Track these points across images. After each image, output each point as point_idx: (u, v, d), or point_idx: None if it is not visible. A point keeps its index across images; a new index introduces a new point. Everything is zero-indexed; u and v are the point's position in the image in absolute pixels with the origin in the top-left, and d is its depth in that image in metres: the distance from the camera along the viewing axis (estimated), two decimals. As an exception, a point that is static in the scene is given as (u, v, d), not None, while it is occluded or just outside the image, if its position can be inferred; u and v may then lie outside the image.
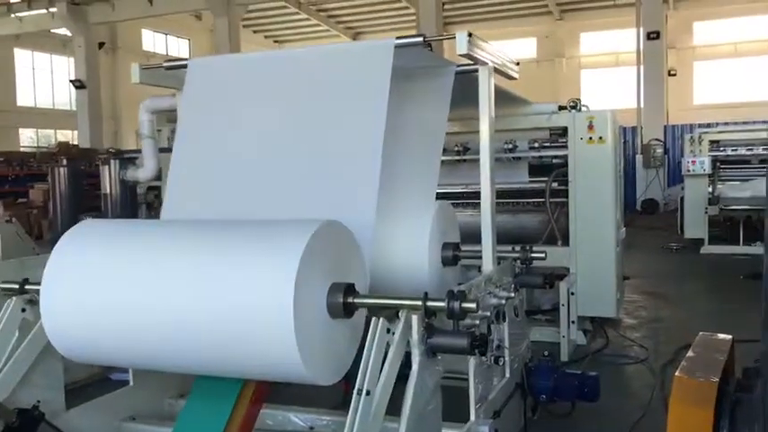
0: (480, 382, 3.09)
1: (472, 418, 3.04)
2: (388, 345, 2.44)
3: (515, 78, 3.91)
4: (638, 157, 19.51)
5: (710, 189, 11.14)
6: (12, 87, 27.57)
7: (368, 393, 2.27)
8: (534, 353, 4.13)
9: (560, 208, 5.99)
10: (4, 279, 3.16)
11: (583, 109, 5.86)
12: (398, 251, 3.51)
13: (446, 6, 24.72)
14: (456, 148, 5.97)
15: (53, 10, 23.82)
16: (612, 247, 5.74)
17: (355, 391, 2.27)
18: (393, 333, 2.45)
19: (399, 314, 2.51)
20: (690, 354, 3.01)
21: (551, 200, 5.89)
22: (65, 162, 12.14)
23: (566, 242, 5.82)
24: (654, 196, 18.87)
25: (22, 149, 25.76)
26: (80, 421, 3.26)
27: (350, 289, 2.54)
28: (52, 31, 26.59)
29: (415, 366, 2.43)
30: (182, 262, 2.55)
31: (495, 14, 29.13)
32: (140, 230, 2.82)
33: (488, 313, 2.98)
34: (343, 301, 2.51)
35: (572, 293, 5.58)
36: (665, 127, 20.19)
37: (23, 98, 28.17)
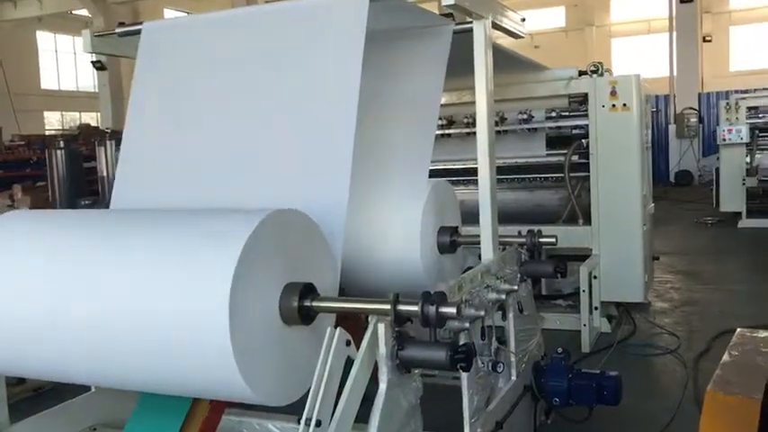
0: (476, 392, 2.64)
1: (467, 433, 2.60)
2: (351, 360, 2.00)
3: (521, 37, 3.41)
4: (672, 127, 18.69)
5: (748, 159, 10.53)
6: (35, 71, 27.50)
7: (318, 424, 1.84)
8: (554, 344, 3.68)
9: (581, 183, 5.47)
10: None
11: (605, 74, 5.30)
12: (385, 239, 3.08)
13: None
14: (465, 120, 5.48)
15: (74, -10, 23.62)
16: (639, 226, 5.21)
17: (302, 421, 1.84)
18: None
19: (369, 320, 2.08)
20: (726, 358, 2.52)
21: (571, 174, 5.37)
22: (61, 144, 11.76)
23: (588, 221, 5.30)
24: (688, 167, 18.09)
25: (47, 133, 25.72)
26: (27, 436, 2.90)
27: (308, 290, 2.11)
28: (73, 12, 26.36)
29: (382, 386, 1.99)
30: (105, 261, 2.13)
31: (521, -18, 28.22)
32: (67, 224, 2.40)
33: (482, 312, 2.52)
34: (299, 304, 2.08)
35: (594, 277, 5.09)
36: (699, 95, 19.29)
37: (47, 81, 28.10)
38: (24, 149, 18.80)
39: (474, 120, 5.38)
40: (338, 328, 1.98)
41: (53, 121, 28.87)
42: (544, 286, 5.77)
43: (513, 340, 3.10)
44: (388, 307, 2.01)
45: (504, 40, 3.64)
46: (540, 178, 5.70)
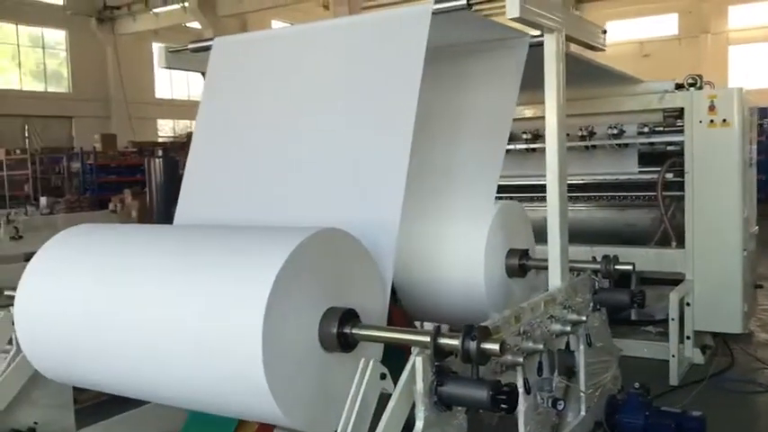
0: (535, 428, 2.47)
1: (523, 473, 2.44)
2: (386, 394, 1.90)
3: (601, 49, 3.21)
4: (790, 142, 17.46)
5: None
6: (150, 81, 28.98)
7: (346, 463, 1.75)
8: (639, 373, 3.45)
9: (675, 203, 5.13)
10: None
11: (705, 87, 4.95)
12: (448, 261, 2.96)
13: (576, -18, 23.34)
14: (551, 135, 5.25)
15: (186, 4, 24.69)
16: (738, 250, 4.81)
17: (329, 459, 1.75)
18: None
19: (411, 352, 1.97)
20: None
21: (665, 193, 5.04)
22: (160, 153, 12.22)
23: (681, 243, 4.96)
24: (808, 185, 16.83)
25: (159, 140, 26.99)
26: (89, 443, 2.97)
27: (349, 316, 2.03)
28: (187, 25, 27.58)
29: (419, 424, 1.87)
30: (150, 278, 2.14)
31: (631, -11, 27.18)
32: (122, 239, 2.43)
33: (540, 346, 2.36)
34: (338, 331, 2.00)
35: (687, 304, 4.74)
36: (824, 107, 17.94)
37: (161, 91, 29.55)
38: (136, 155, 19.84)
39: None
40: (372, 360, 1.88)
41: (166, 129, 30.26)
42: (634, 311, 5.45)
43: (582, 374, 2.90)
44: (427, 339, 1.90)
45: (606, 51, 3.37)
46: (632, 197, 5.38)
